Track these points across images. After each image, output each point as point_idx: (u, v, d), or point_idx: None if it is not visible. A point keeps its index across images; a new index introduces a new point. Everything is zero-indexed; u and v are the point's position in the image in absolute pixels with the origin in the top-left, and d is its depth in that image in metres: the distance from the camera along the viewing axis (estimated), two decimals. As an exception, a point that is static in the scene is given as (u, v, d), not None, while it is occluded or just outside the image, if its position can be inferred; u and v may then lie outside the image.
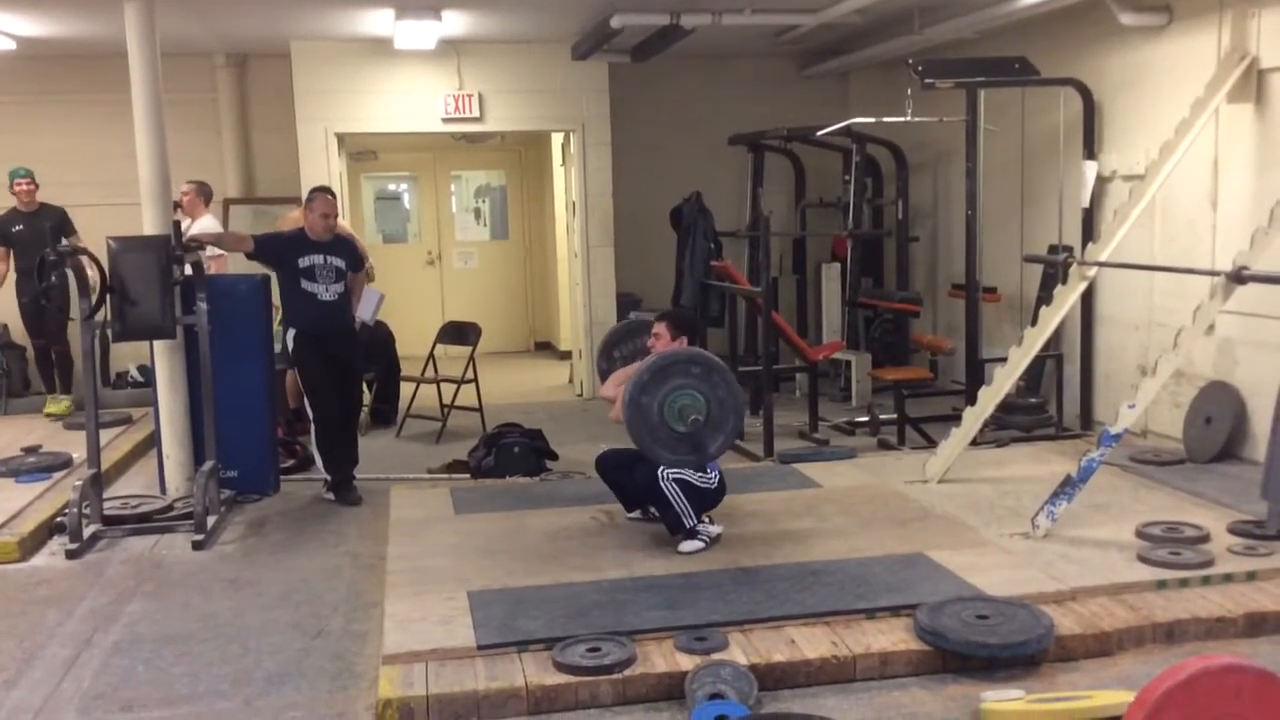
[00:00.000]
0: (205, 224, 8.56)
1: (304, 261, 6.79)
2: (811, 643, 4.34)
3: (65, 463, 7.43)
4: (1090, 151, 7.73)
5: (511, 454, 7.36)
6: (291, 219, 7.90)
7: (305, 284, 6.79)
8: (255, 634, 4.85)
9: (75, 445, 7.50)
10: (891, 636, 4.38)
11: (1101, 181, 7.71)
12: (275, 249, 6.90)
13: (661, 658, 4.24)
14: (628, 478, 5.81)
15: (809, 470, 6.93)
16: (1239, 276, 5.41)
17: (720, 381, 5.34)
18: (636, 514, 5.94)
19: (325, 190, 7.12)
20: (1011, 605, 4.51)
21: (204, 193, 8.89)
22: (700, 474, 5.50)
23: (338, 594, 5.34)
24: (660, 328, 5.84)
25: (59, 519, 6.25)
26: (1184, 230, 7.09)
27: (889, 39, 9.16)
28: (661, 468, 5.46)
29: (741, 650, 4.28)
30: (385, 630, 4.57)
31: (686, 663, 4.18)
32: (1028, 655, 4.24)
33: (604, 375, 6.40)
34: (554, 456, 7.58)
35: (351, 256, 7.04)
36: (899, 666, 4.26)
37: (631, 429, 5.32)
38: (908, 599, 4.64)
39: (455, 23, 8.68)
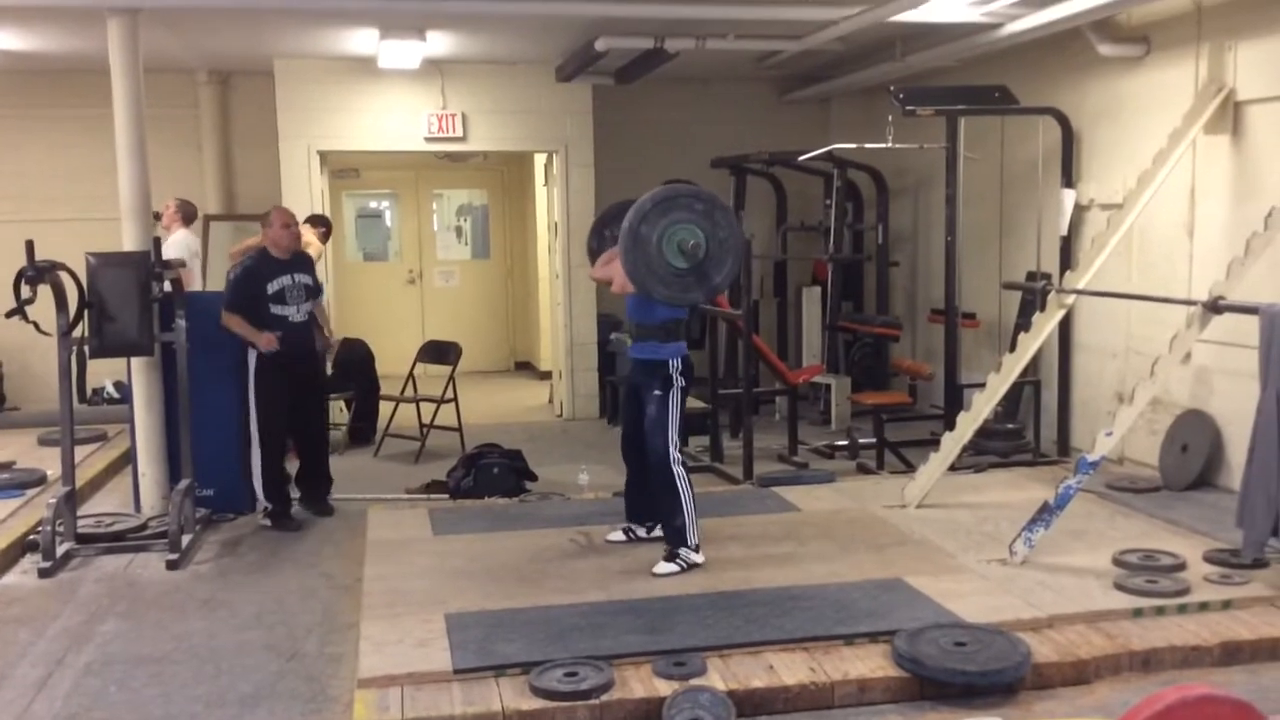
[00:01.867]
0: (176, 239, 8.53)
1: (273, 286, 6.72)
2: (790, 668, 4.33)
3: (39, 479, 7.36)
4: (1069, 180, 7.80)
5: (491, 474, 7.34)
6: (251, 243, 7.89)
7: (275, 308, 6.71)
8: (229, 655, 4.80)
9: (49, 462, 7.43)
10: (870, 663, 4.38)
11: (1079, 210, 7.78)
12: (249, 295, 6.67)
13: (639, 683, 4.22)
14: (641, 464, 5.75)
15: (788, 494, 6.94)
16: (1215, 306, 5.45)
17: (723, 221, 5.27)
18: (620, 536, 5.89)
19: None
20: (989, 632, 4.52)
21: (183, 210, 8.84)
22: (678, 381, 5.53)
23: (313, 615, 5.29)
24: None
25: (32, 537, 6.18)
26: (1161, 259, 7.15)
27: (870, 66, 9.24)
28: (671, 452, 5.46)
29: (720, 675, 4.27)
30: (361, 653, 4.53)
31: (665, 688, 4.16)
32: (1005, 683, 4.25)
33: (593, 255, 6.24)
34: (533, 477, 7.56)
35: (313, 273, 7.04)
36: (877, 693, 4.26)
37: (626, 259, 5.21)
38: (886, 625, 4.64)
39: (439, 43, 8.69)
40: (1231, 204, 6.62)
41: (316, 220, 8.94)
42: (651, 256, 5.19)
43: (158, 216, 8.05)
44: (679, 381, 5.59)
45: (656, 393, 5.57)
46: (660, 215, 5.20)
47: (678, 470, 5.55)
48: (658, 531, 5.80)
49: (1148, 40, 7.23)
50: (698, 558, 5.52)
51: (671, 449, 5.55)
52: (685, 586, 5.23)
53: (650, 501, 5.79)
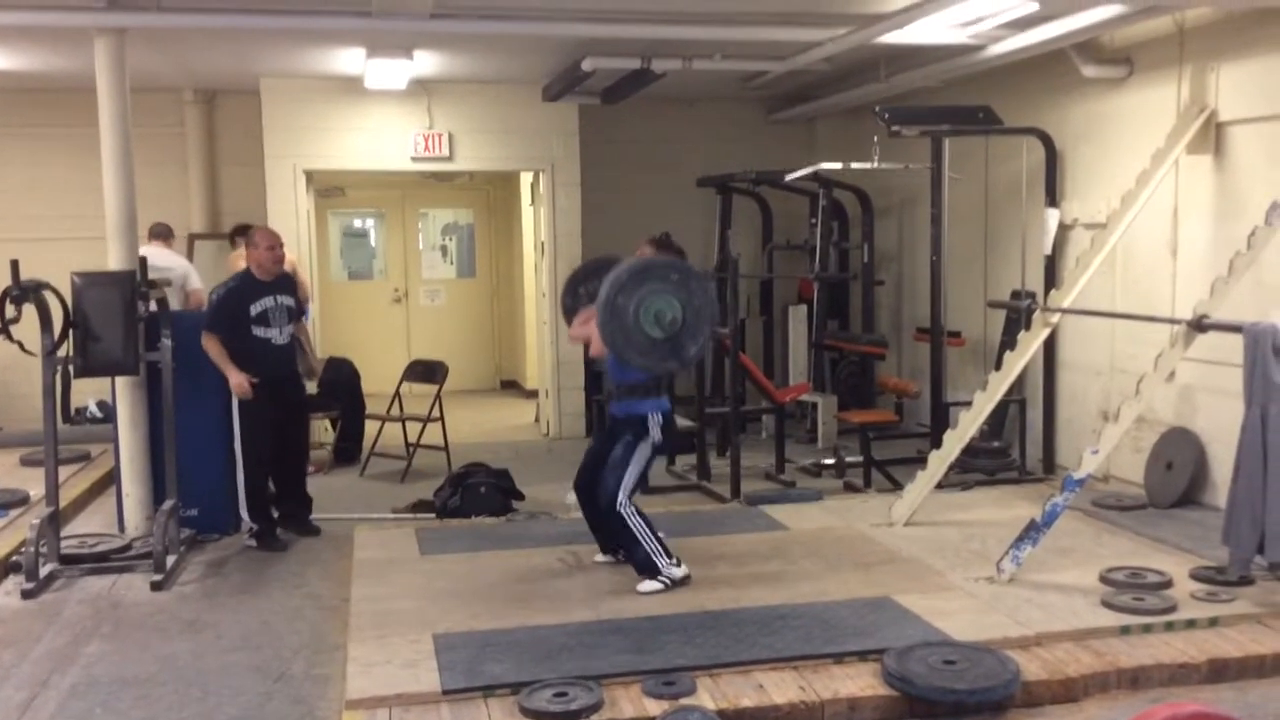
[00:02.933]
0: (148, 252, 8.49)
1: (255, 308, 6.68)
2: (780, 687, 4.32)
3: (22, 500, 7.31)
4: (1052, 199, 7.86)
5: (478, 494, 7.32)
6: (236, 258, 7.88)
7: (258, 330, 6.68)
8: (215, 677, 4.77)
9: (32, 482, 7.37)
10: (859, 681, 4.37)
11: (1063, 229, 7.83)
12: (231, 318, 6.64)
13: (629, 703, 4.21)
14: (591, 499, 5.78)
15: (776, 512, 6.94)
16: (1200, 325, 5.49)
17: (698, 290, 5.32)
18: (607, 557, 5.90)
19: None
20: (978, 650, 4.53)
21: (156, 232, 8.79)
22: (649, 438, 5.58)
23: (300, 636, 5.26)
24: (647, 248, 5.82)
25: (15, 558, 6.13)
26: (1144, 278, 7.20)
27: (855, 86, 9.30)
28: (620, 497, 5.49)
29: (709, 695, 4.26)
30: (348, 674, 4.51)
31: (654, 708, 4.15)
32: (994, 701, 4.25)
33: (568, 312, 6.28)
34: (520, 496, 7.54)
35: (296, 294, 7.03)
36: (866, 712, 4.26)
37: (604, 330, 5.26)
38: (875, 643, 4.65)
39: (427, 63, 8.71)
40: (1214, 223, 6.67)
41: (241, 231, 8.90)
42: (629, 327, 5.27)
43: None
44: (655, 435, 5.62)
45: (628, 438, 5.62)
46: (636, 286, 5.28)
47: (625, 513, 5.55)
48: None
49: (1130, 61, 7.30)
50: (679, 571, 5.54)
51: (621, 494, 5.56)
52: (674, 606, 5.22)
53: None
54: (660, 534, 5.59)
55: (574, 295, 6.30)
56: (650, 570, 5.50)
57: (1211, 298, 5.59)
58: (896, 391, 9.04)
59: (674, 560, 5.56)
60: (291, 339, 6.88)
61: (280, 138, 9.56)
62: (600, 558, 5.92)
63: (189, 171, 10.37)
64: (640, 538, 5.52)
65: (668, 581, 5.47)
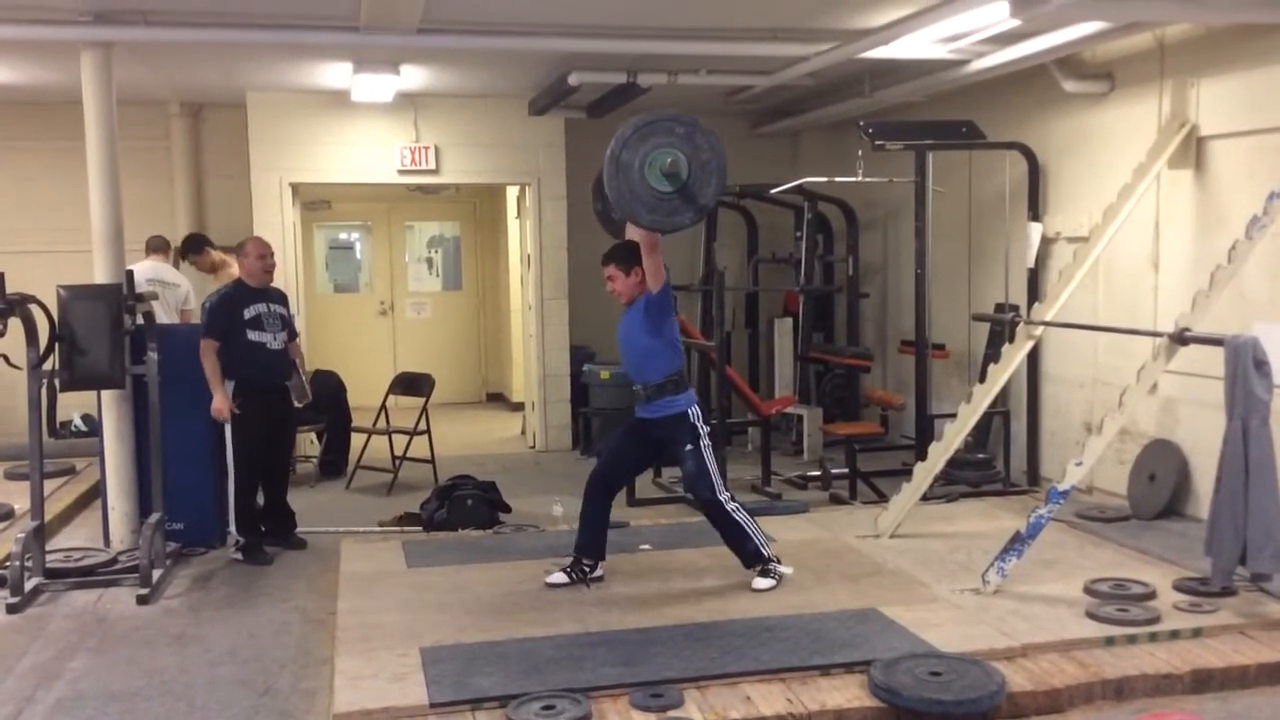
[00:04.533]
0: (142, 268, 8.49)
1: (249, 312, 6.72)
2: (767, 699, 4.34)
3: (7, 514, 7.28)
4: (1035, 213, 7.92)
5: (464, 506, 7.32)
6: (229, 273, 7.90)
7: (252, 334, 6.71)
8: (202, 691, 4.75)
9: (17, 496, 7.35)
10: (846, 693, 4.39)
11: (1046, 243, 7.89)
12: (225, 323, 6.66)
13: (617, 715, 4.22)
14: (606, 508, 5.82)
15: (762, 524, 6.89)
16: (1181, 338, 5.54)
17: (704, 144, 5.27)
18: (560, 577, 5.76)
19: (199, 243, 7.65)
20: (964, 662, 4.55)
21: (156, 245, 8.79)
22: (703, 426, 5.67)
23: (286, 650, 5.25)
24: (611, 270, 5.69)
25: (-1, 572, 6.12)
26: (1127, 291, 7.26)
27: (840, 101, 9.35)
28: (722, 500, 5.64)
29: (697, 707, 4.27)
30: (335, 688, 4.51)
31: (642, 720, 4.16)
32: (980, 712, 4.27)
33: (600, 214, 6.27)
34: (507, 509, 7.54)
35: (287, 304, 7.08)
36: (854, 723, 4.28)
37: (611, 186, 5.20)
38: (862, 655, 4.66)
39: (413, 77, 8.74)
40: (1195, 237, 6.74)
41: (191, 241, 8.93)
42: (635, 182, 5.20)
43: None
44: (704, 429, 5.69)
45: (689, 448, 5.66)
46: (641, 141, 5.21)
47: (733, 508, 5.71)
48: (599, 571, 5.82)
49: (1112, 77, 7.37)
50: (785, 569, 5.74)
51: (721, 496, 5.68)
52: (661, 618, 5.23)
53: (604, 540, 5.83)
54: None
55: (603, 198, 6.18)
56: (759, 560, 5.67)
57: (1193, 311, 5.64)
58: (881, 404, 9.08)
59: (776, 558, 5.73)
60: (285, 347, 6.90)
61: (266, 151, 9.56)
62: (554, 579, 5.77)
63: (175, 184, 10.34)
64: (750, 532, 5.70)
65: (778, 578, 5.66)
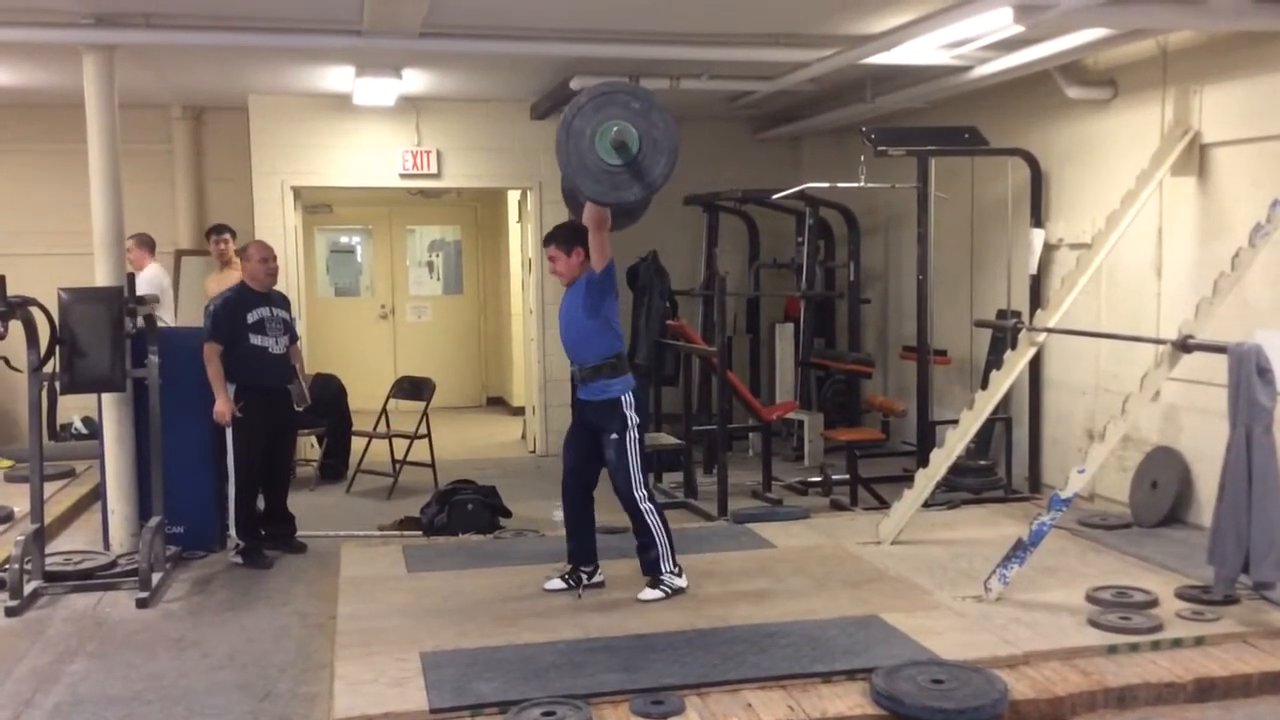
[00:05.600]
0: (150, 275, 8.49)
1: (252, 316, 6.73)
2: (768, 706, 4.32)
3: (6, 516, 7.27)
4: (1038, 220, 7.91)
5: (465, 511, 7.31)
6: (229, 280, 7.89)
7: (255, 338, 6.71)
8: (201, 696, 4.74)
9: (16, 499, 7.34)
10: (848, 700, 4.37)
11: (1049, 249, 7.88)
12: (230, 327, 6.66)
13: (617, 722, 4.21)
14: (586, 508, 5.77)
15: (763, 530, 6.95)
16: (1185, 345, 5.53)
17: (659, 121, 5.16)
18: (557, 583, 5.75)
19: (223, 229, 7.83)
20: (966, 669, 4.53)
21: (145, 243, 8.80)
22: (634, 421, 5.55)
23: (286, 655, 5.24)
24: (552, 250, 5.65)
25: (-2, 575, 6.10)
26: (1129, 298, 7.25)
27: (841, 106, 9.34)
28: (638, 494, 5.53)
29: (698, 714, 4.26)
30: (335, 692, 4.49)
31: (643, 727, 4.15)
32: (982, 720, 4.26)
33: (566, 194, 6.19)
34: (507, 514, 7.52)
35: (289, 309, 7.08)
36: (855, 731, 4.26)
37: (560, 152, 5.13)
38: (863, 662, 4.65)
39: (415, 80, 8.74)
40: (1198, 244, 6.73)
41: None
42: (584, 151, 5.11)
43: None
44: (633, 419, 5.59)
45: (613, 437, 5.58)
46: (595, 110, 5.13)
47: (644, 507, 5.61)
48: (599, 577, 5.80)
49: (1115, 83, 7.37)
50: (680, 582, 5.60)
51: (635, 488, 5.58)
52: (662, 624, 5.22)
53: (594, 544, 5.80)
54: (673, 540, 5.67)
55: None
56: (654, 572, 5.57)
57: (1196, 318, 5.63)
58: (883, 410, 9.06)
59: (677, 570, 5.62)
60: (286, 352, 6.89)
61: (268, 154, 9.57)
62: (551, 585, 5.76)
63: (176, 188, 10.35)
64: (656, 539, 5.59)
65: (668, 590, 5.53)
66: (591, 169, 5.15)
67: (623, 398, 5.59)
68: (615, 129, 5.10)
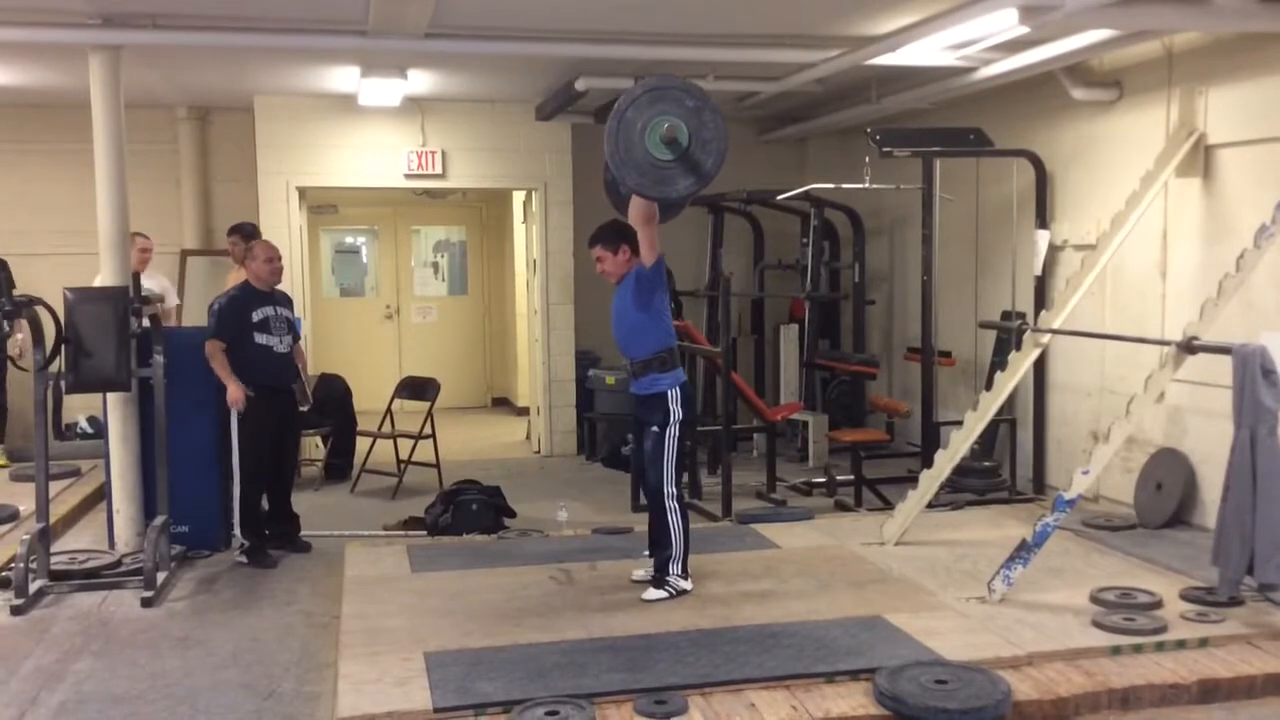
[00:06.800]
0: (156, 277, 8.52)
1: (257, 315, 6.75)
2: (772, 706, 4.32)
3: (12, 515, 7.28)
4: (1043, 221, 7.91)
5: (469, 511, 7.31)
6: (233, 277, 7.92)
7: (259, 337, 6.74)
8: (205, 694, 4.75)
9: (22, 497, 7.35)
10: (851, 701, 4.37)
11: (1053, 250, 7.88)
12: (233, 325, 6.69)
13: (621, 721, 4.21)
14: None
15: (767, 531, 6.95)
16: (1189, 346, 5.52)
17: (710, 121, 5.19)
18: (642, 573, 5.76)
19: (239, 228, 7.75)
20: (969, 670, 4.53)
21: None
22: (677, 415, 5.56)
23: (290, 654, 5.24)
24: (598, 251, 5.70)
25: (4, 573, 6.10)
26: (1134, 299, 7.25)
27: (846, 108, 9.35)
28: (666, 488, 5.55)
29: (701, 714, 4.26)
30: (339, 692, 4.49)
31: (646, 727, 4.15)
32: (986, 721, 4.26)
33: (607, 185, 6.15)
34: (512, 514, 7.53)
35: (293, 308, 7.09)
36: (858, 731, 4.26)
37: (609, 141, 5.14)
38: (867, 663, 4.65)
39: (421, 81, 8.75)
40: (1203, 246, 6.72)
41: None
42: (633, 143, 5.14)
43: None
44: (676, 415, 5.62)
45: (654, 429, 5.65)
46: (650, 104, 5.16)
47: (670, 504, 5.65)
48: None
49: (1120, 85, 7.36)
50: (685, 584, 5.61)
51: (665, 484, 5.64)
52: (666, 624, 5.22)
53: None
54: (689, 546, 5.68)
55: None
56: (661, 571, 5.60)
57: (1201, 319, 5.63)
58: (887, 411, 9.06)
59: (686, 574, 5.64)
60: (290, 351, 6.91)
61: (273, 154, 9.58)
62: (637, 575, 5.83)
63: (182, 188, 10.37)
64: (674, 540, 5.62)
65: (672, 592, 5.54)
66: (638, 161, 5.17)
67: (669, 392, 5.63)
68: (667, 124, 5.13)
